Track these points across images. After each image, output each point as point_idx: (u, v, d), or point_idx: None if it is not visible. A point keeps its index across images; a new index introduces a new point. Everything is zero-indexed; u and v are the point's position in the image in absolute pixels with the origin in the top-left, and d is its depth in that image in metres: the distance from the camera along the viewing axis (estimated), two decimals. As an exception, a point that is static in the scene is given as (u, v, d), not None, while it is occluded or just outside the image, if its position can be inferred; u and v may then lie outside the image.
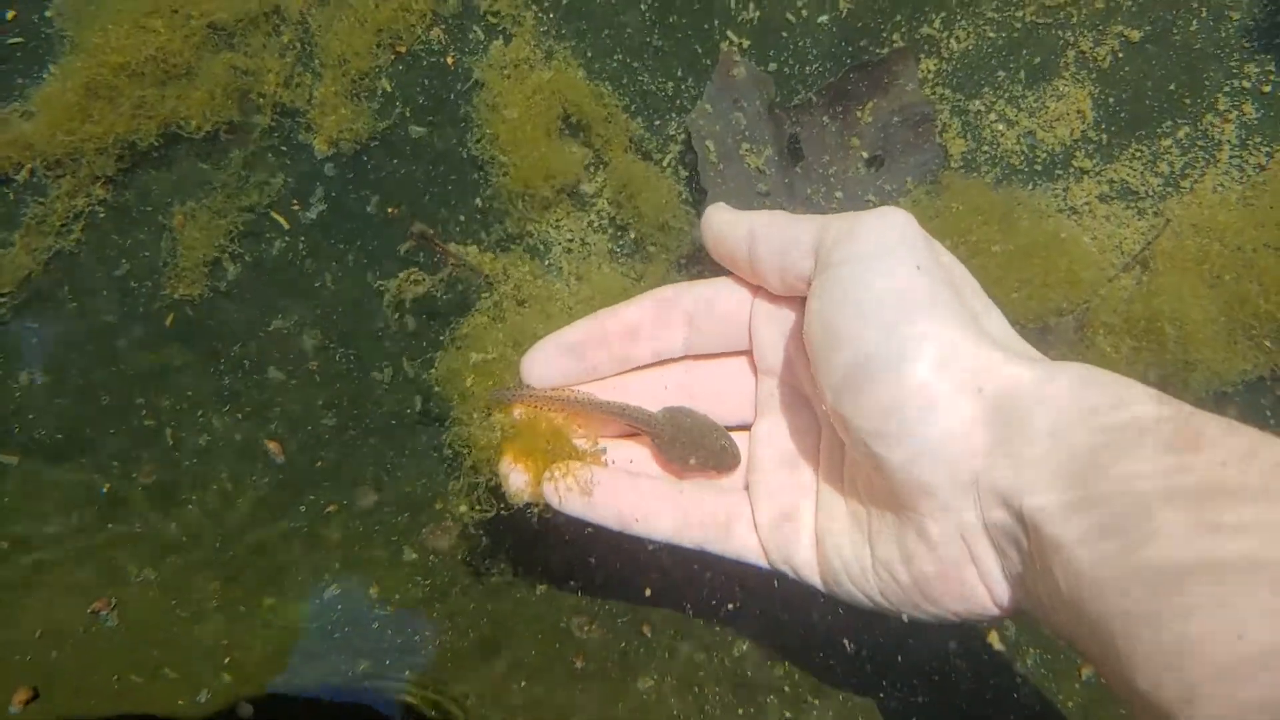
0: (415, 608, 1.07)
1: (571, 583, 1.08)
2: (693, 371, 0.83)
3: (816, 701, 1.04)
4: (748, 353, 0.82)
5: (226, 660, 1.03)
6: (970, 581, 0.62)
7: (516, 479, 0.78)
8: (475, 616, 1.07)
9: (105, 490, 1.08)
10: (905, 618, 0.68)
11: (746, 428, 0.83)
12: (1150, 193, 1.09)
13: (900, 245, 0.65)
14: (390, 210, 1.10)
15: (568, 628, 1.07)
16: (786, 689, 1.04)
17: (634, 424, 0.80)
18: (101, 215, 1.09)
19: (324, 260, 1.11)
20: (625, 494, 0.78)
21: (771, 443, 0.79)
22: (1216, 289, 1.04)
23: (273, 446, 1.09)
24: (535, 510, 0.79)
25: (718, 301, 0.79)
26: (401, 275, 1.04)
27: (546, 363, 0.80)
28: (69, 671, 1.01)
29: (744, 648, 1.06)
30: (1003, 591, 0.62)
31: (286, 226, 1.11)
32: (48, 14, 1.08)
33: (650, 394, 0.82)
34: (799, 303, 0.75)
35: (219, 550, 1.07)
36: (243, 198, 1.10)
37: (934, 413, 0.60)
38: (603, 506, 0.77)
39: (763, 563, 0.77)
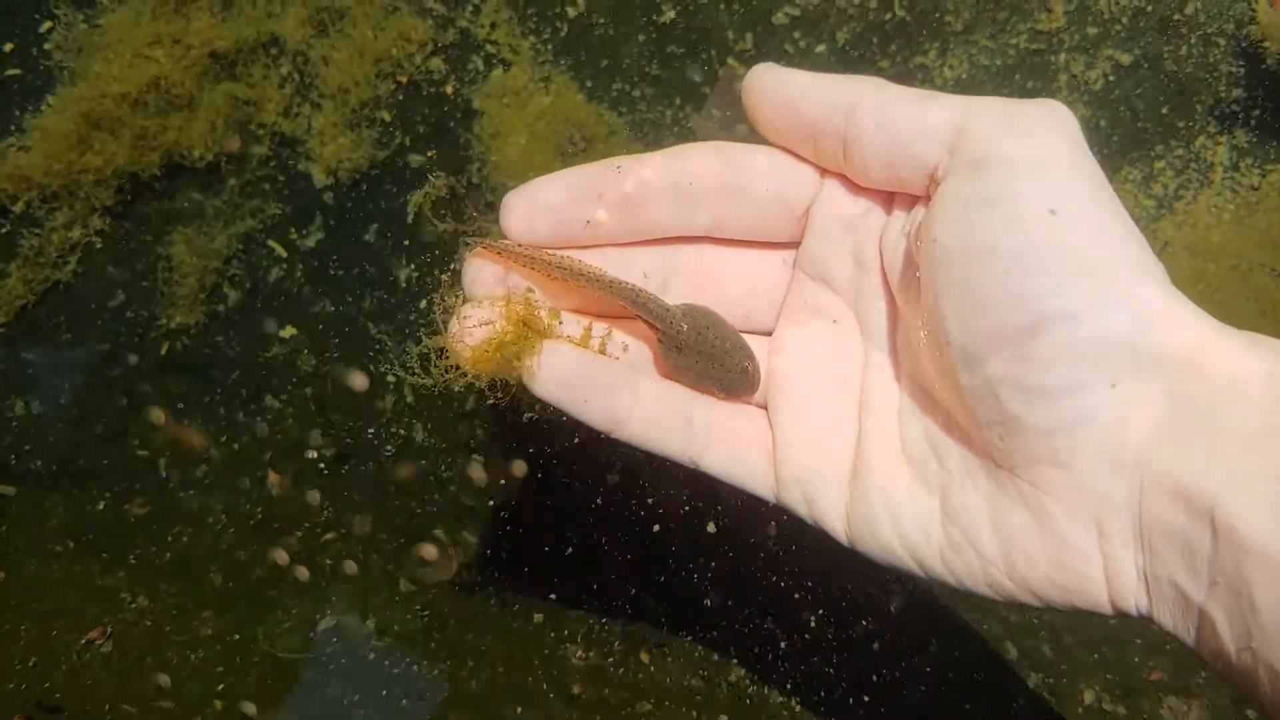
0: (412, 638, 1.06)
1: (568, 610, 1.07)
2: (710, 257, 0.67)
3: (818, 728, 1.03)
4: (786, 246, 0.68)
5: (220, 688, 1.02)
6: (1090, 575, 0.52)
7: (476, 318, 0.61)
8: (472, 645, 1.06)
9: (100, 520, 1.08)
10: (957, 585, 0.58)
11: (764, 334, 0.70)
12: (1144, 215, 1.10)
13: (1076, 154, 0.52)
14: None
15: (565, 655, 1.06)
16: (786, 716, 1.04)
17: (644, 315, 0.65)
18: (98, 246, 1.09)
19: (322, 288, 1.11)
20: (622, 390, 0.63)
21: (803, 358, 0.66)
22: (1211, 309, 1.04)
23: (273, 477, 1.09)
24: (500, 392, 0.64)
25: (769, 178, 0.63)
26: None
27: (532, 211, 0.62)
28: (63, 699, 1.00)
29: (741, 672, 1.05)
30: (1130, 593, 0.51)
31: (284, 255, 1.11)
32: (46, 46, 1.09)
33: (649, 275, 0.67)
34: (886, 198, 0.62)
35: (214, 579, 1.07)
36: (240, 226, 1.10)
37: (1106, 373, 0.49)
38: (599, 402, 0.62)
39: (770, 495, 0.65)
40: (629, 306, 0.64)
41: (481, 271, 0.64)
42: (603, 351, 0.65)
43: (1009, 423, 0.52)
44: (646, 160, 0.63)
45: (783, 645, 1.05)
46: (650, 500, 1.08)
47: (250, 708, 1.02)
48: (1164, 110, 1.10)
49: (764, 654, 1.05)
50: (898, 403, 0.62)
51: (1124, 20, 1.10)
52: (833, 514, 0.63)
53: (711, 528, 1.07)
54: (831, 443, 0.64)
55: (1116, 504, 0.50)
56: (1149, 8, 1.10)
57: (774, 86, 0.60)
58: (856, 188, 0.62)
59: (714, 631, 1.06)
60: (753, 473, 0.65)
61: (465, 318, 0.61)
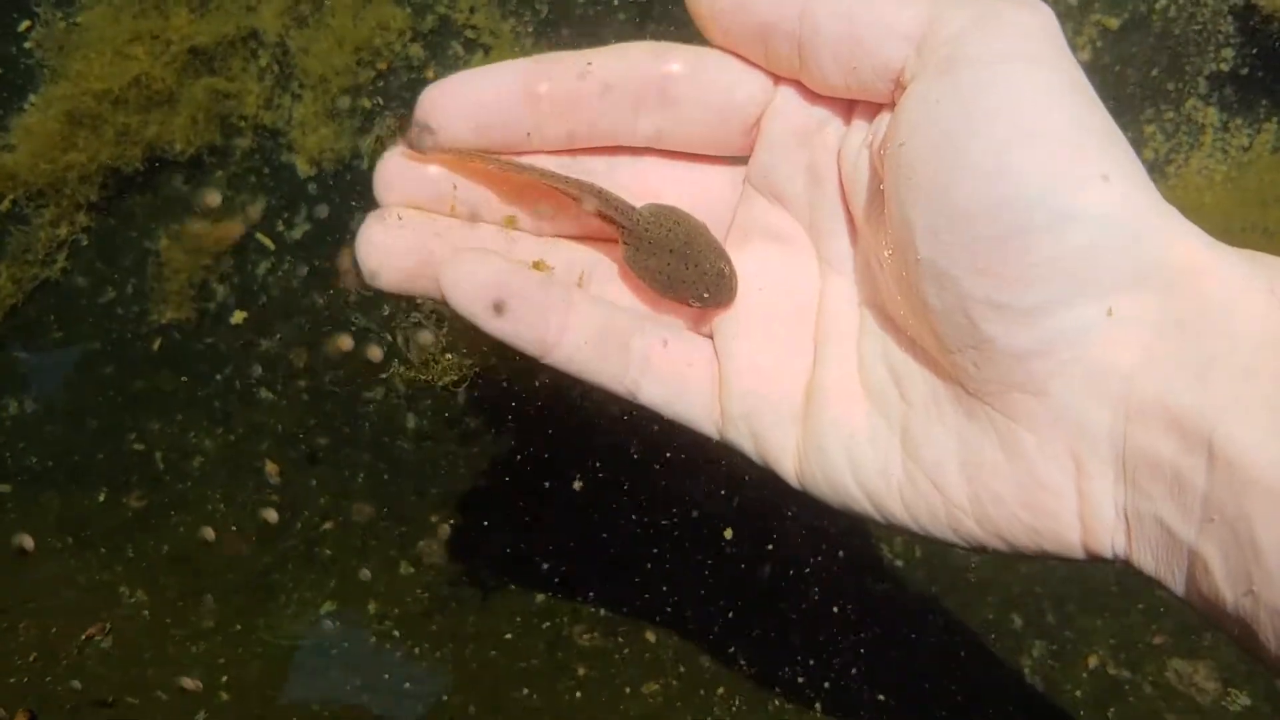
0: (413, 621, 1.06)
1: (572, 591, 1.07)
2: (652, 171, 0.62)
3: (820, 702, 1.03)
4: (735, 162, 0.62)
5: (224, 679, 1.03)
6: (1063, 514, 0.48)
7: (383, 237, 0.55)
8: (475, 627, 1.06)
9: (97, 515, 1.08)
10: (919, 530, 0.54)
11: None
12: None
13: (1058, 55, 0.48)
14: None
15: (569, 636, 1.06)
16: (792, 691, 1.04)
17: (603, 209, 0.58)
18: (85, 243, 1.10)
19: (310, 279, 1.11)
20: (554, 309, 0.56)
21: (753, 281, 0.61)
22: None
23: (270, 467, 1.09)
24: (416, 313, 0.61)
25: (718, 84, 0.57)
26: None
27: (461, 110, 0.55)
28: (65, 694, 1.01)
29: (749, 653, 1.05)
30: (1106, 534, 0.47)
31: (272, 247, 1.11)
32: (26, 45, 1.08)
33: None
34: (845, 107, 0.57)
35: (213, 571, 1.07)
36: (227, 220, 1.10)
37: (1091, 288, 0.45)
38: (526, 319, 0.56)
39: (714, 431, 0.60)
40: (585, 201, 0.58)
41: (401, 170, 0.56)
42: (538, 267, 0.58)
43: (983, 346, 0.48)
44: (578, 58, 0.56)
45: (788, 623, 1.05)
46: (652, 477, 1.08)
47: (252, 696, 1.02)
48: (1153, 73, 1.10)
49: (769, 632, 1.06)
50: (857, 330, 0.58)
51: (1110, -18, 1.09)
52: (782, 452, 0.58)
53: (725, 526, 1.07)
54: (783, 372, 0.59)
55: (1097, 435, 0.46)
56: (1134, -32, 1.09)
57: None
58: (813, 95, 0.57)
59: (719, 610, 1.06)
60: (695, 406, 0.60)
61: (365, 245, 0.55)
